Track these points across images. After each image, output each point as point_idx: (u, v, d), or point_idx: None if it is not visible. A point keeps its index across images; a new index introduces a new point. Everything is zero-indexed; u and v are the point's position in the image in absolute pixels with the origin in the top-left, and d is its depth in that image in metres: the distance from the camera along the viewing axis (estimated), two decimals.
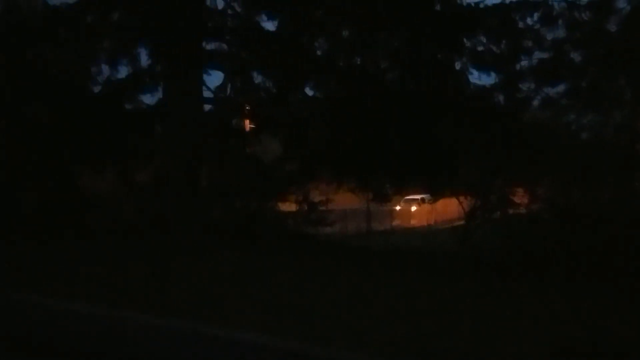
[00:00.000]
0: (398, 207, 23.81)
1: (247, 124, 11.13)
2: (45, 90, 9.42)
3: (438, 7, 9.88)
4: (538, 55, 9.99)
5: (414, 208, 25.13)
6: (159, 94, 10.46)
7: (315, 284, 5.75)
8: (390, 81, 9.92)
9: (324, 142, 9.61)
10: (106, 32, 10.03)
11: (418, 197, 23.09)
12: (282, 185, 10.22)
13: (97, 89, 10.78)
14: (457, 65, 10.16)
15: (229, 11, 10.42)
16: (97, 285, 5.61)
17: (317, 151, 9.90)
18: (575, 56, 9.99)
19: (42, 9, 10.22)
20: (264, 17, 10.36)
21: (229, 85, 10.64)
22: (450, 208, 18.39)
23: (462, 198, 9.81)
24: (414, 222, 24.60)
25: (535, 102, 10.23)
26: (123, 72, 10.40)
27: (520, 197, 8.51)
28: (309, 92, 10.65)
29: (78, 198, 9.57)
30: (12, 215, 8.77)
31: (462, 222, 10.03)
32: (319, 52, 10.57)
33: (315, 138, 9.67)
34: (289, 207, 10.68)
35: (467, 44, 9.96)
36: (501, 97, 10.47)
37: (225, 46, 10.73)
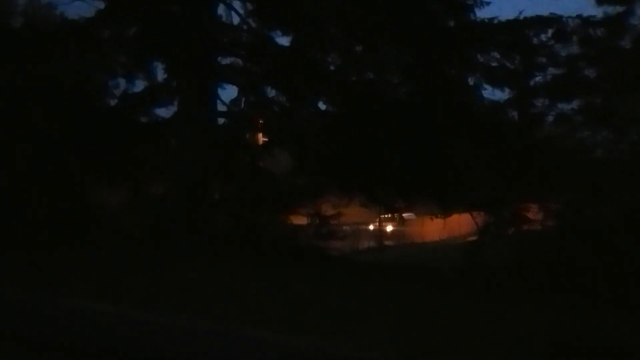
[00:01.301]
0: (371, 227, 21.69)
1: (260, 138, 11.22)
2: (57, 102, 9.59)
3: (451, 23, 9.92)
4: (552, 71, 9.99)
5: (389, 228, 22.65)
6: (174, 108, 10.61)
7: (314, 298, 5.73)
8: (401, 96, 9.94)
9: (334, 156, 9.64)
10: (122, 47, 10.21)
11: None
12: (293, 198, 10.25)
13: (112, 102, 10.95)
14: (470, 81, 10.18)
15: (244, 26, 10.58)
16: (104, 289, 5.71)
17: (327, 165, 9.93)
18: (590, 72, 9.97)
19: (60, 22, 10.45)
20: (278, 33, 10.50)
21: (243, 100, 10.76)
22: (463, 224, 18.28)
23: (474, 213, 9.77)
24: (427, 238, 24.42)
25: (549, 118, 10.21)
26: (139, 85, 10.59)
27: (532, 213, 8.46)
28: (321, 106, 10.71)
29: (86, 209, 9.69)
30: (20, 224, 8.91)
31: (474, 238, 9.99)
32: (331, 67, 10.65)
33: (325, 152, 9.71)
34: (300, 220, 10.70)
35: (480, 59, 9.98)
36: (514, 113, 10.48)
37: (239, 61, 10.89)
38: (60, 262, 7.42)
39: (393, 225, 21.79)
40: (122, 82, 10.75)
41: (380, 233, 21.99)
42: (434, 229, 24.90)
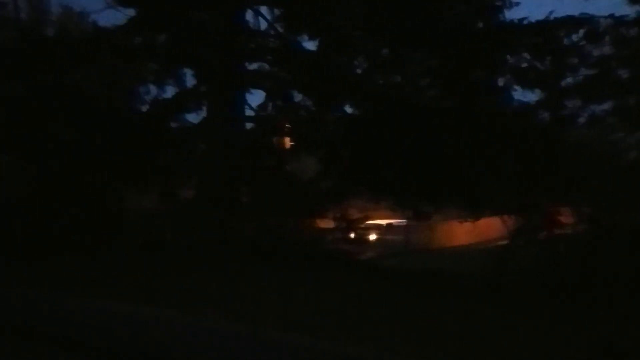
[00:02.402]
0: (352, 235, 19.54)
1: (287, 142, 11.28)
2: (88, 109, 9.78)
3: (480, 25, 9.81)
4: (583, 72, 9.80)
5: (372, 237, 18.91)
6: (203, 113, 10.74)
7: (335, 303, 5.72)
8: (429, 100, 9.87)
9: (360, 160, 9.62)
10: (153, 54, 10.39)
11: (383, 222, 18.88)
12: (319, 203, 10.25)
13: (143, 109, 11.13)
14: (500, 83, 10.05)
15: (271, 32, 10.66)
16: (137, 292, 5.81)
17: (353, 169, 9.91)
18: (623, 73, 9.75)
19: (92, 30, 10.68)
20: (305, 37, 10.54)
21: (270, 104, 10.83)
22: (493, 227, 18.01)
23: (504, 217, 9.61)
24: (456, 242, 24.11)
25: (581, 120, 10.01)
26: (169, 92, 10.76)
27: (565, 216, 8.28)
28: (347, 110, 10.71)
29: (115, 215, 9.86)
30: (49, 230, 9.11)
31: (505, 242, 9.82)
32: (358, 71, 10.64)
33: (351, 156, 9.70)
34: (327, 224, 10.69)
35: (510, 61, 9.85)
36: (545, 115, 10.30)
37: (266, 66, 10.98)
38: (91, 267, 7.58)
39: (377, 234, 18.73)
40: (152, 88, 10.94)
41: (406, 237, 21.81)
42: (463, 232, 24.62)
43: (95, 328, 5.06)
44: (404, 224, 10.91)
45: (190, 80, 10.70)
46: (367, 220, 10.62)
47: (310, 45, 10.64)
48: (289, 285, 6.47)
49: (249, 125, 10.83)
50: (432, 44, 9.41)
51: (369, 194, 10.41)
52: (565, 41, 9.57)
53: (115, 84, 10.84)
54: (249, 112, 10.51)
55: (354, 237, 10.25)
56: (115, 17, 11.87)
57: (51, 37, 11.54)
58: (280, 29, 10.63)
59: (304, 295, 6.02)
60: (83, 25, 12.52)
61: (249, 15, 10.47)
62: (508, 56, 9.75)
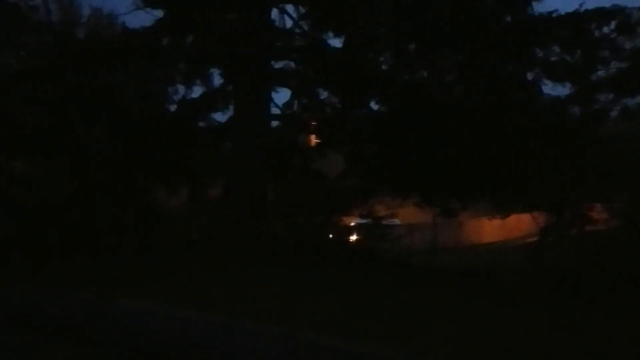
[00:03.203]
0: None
1: (313, 140, 11.30)
2: (119, 110, 9.97)
3: (508, 18, 9.67)
4: (615, 65, 9.56)
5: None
6: (230, 112, 10.84)
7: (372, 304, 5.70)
8: (456, 95, 9.77)
9: (386, 157, 9.58)
10: (181, 54, 10.52)
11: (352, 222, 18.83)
12: (345, 200, 10.26)
13: (172, 109, 11.29)
14: (529, 77, 9.89)
15: (297, 30, 10.69)
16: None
17: (379, 166, 9.88)
18: None
19: (121, 32, 10.87)
20: (330, 35, 10.54)
21: (296, 102, 10.87)
22: (522, 224, 17.75)
23: (535, 214, 9.47)
24: (485, 239, 23.79)
25: (613, 114, 9.76)
26: (196, 92, 10.89)
27: (597, 213, 8.11)
28: (373, 107, 10.67)
29: (149, 214, 10.04)
30: (88, 230, 9.33)
31: (534, 239, 9.69)
32: (384, 67, 10.59)
33: (377, 153, 9.66)
34: (353, 221, 10.69)
35: (539, 54, 9.67)
36: (576, 109, 10.09)
37: (292, 64, 11.02)
38: (126, 266, 7.74)
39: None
40: (180, 89, 11.08)
41: (434, 234, 21.63)
42: (491, 229, 24.30)
43: (138, 329, 5.18)
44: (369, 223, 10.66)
45: (217, 80, 10.82)
46: (394, 217, 10.57)
47: (336, 42, 10.67)
48: (320, 284, 6.51)
49: (275, 124, 10.89)
50: (459, 39, 9.30)
51: (396, 191, 10.36)
52: (597, 33, 9.35)
53: (145, 85, 11.01)
54: (275, 111, 10.58)
55: (380, 233, 10.22)
56: (144, 19, 12.06)
57: (82, 39, 11.79)
58: (305, 27, 10.66)
59: (336, 294, 6.04)
60: (112, 27, 12.75)
61: (275, 14, 10.53)
62: (537, 50, 9.58)
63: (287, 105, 10.90)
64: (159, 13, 10.20)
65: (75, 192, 9.73)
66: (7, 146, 10.33)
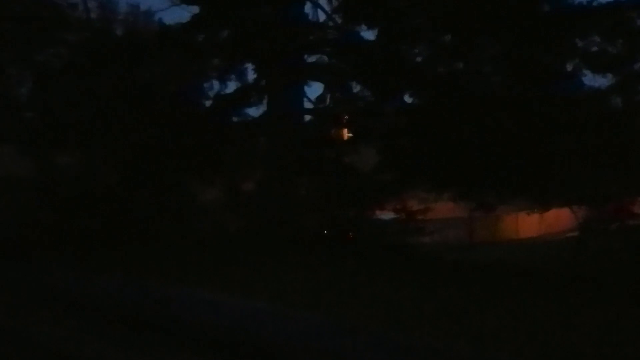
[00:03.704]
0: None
1: (345, 134, 11.28)
2: (156, 105, 10.16)
3: (546, 8, 9.42)
4: None
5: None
6: (263, 107, 10.92)
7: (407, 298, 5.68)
8: (494, 87, 9.58)
9: (421, 150, 9.48)
10: (216, 50, 10.66)
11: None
12: (379, 194, 10.20)
13: (205, 104, 11.44)
14: (569, 68, 9.62)
15: (330, 23, 10.68)
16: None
17: (413, 160, 9.78)
18: None
19: (158, 28, 11.08)
20: (364, 27, 10.48)
21: (328, 96, 10.86)
22: (562, 219, 17.31)
23: (574, 208, 9.24)
24: (522, 234, 23.30)
25: None
26: (231, 87, 11.02)
27: (638, 206, 7.86)
28: (407, 100, 10.57)
29: (185, 206, 10.23)
30: (127, 221, 9.59)
31: (574, 234, 9.44)
32: (418, 59, 10.47)
33: (411, 146, 9.57)
34: (387, 216, 10.63)
35: (580, 44, 9.40)
36: (618, 100, 9.78)
37: (325, 58, 11.01)
38: (168, 255, 7.98)
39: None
40: (215, 84, 11.23)
41: (471, 229, 21.31)
42: (529, 224, 23.78)
43: (188, 315, 5.33)
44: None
45: (251, 75, 10.91)
46: (429, 212, 10.45)
47: (370, 35, 10.60)
48: (360, 279, 6.52)
49: (307, 118, 10.92)
50: (496, 29, 9.12)
51: (430, 186, 10.24)
52: (638, 22, 9.04)
53: (181, 80, 11.20)
54: (307, 105, 10.59)
55: (414, 228, 10.13)
56: (180, 15, 12.27)
57: (120, 36, 12.06)
58: (339, 20, 10.63)
59: (376, 288, 6.05)
60: (149, 24, 12.97)
61: (308, 8, 10.54)
62: (577, 40, 9.31)
63: (320, 99, 10.91)
64: (195, 9, 10.36)
65: (116, 184, 9.99)
66: (51, 140, 10.69)
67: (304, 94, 10.49)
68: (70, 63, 11.51)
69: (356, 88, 10.87)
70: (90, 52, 10.94)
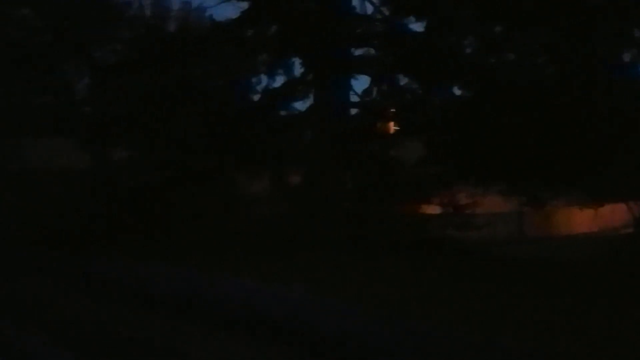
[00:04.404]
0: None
1: (391, 127, 11.22)
2: (206, 100, 10.39)
3: None
4: None
5: None
6: (310, 101, 10.99)
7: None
8: (545, 78, 9.31)
9: (469, 143, 9.32)
10: (264, 45, 10.79)
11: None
12: (425, 188, 10.11)
13: (253, 98, 11.61)
14: (625, 58, 9.26)
15: (378, 16, 10.63)
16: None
17: (461, 153, 9.63)
18: None
19: (209, 24, 11.33)
20: (412, 19, 10.38)
21: (375, 89, 10.83)
22: (617, 214, 16.68)
23: (630, 203, 8.91)
24: (573, 229, 22.56)
25: None
26: (278, 81, 11.14)
27: None
28: (455, 92, 10.41)
29: (233, 199, 10.46)
30: (174, 212, 9.90)
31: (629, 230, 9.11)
32: (467, 51, 10.29)
33: (459, 140, 9.43)
34: (434, 210, 10.53)
35: (637, 34, 9.02)
36: None
37: (372, 51, 10.97)
38: (218, 246, 8.21)
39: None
40: (263, 78, 11.38)
41: (521, 224, 20.79)
42: (582, 219, 22.98)
43: (240, 303, 5.51)
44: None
45: (298, 69, 11.00)
46: (476, 206, 10.27)
47: (418, 27, 10.49)
48: (404, 272, 6.53)
49: (354, 111, 10.92)
50: (548, 19, 8.85)
51: (478, 179, 10.07)
52: None
53: (231, 75, 11.41)
54: (354, 98, 10.59)
55: (462, 222, 9.99)
56: (231, 11, 12.48)
57: (172, 32, 12.38)
58: (386, 12, 10.57)
59: (417, 281, 6.05)
60: (201, 20, 13.27)
61: (356, 1, 10.53)
62: (635, 30, 8.93)
63: (366, 92, 10.89)
64: (244, 5, 10.52)
65: (167, 177, 10.30)
66: (107, 134, 11.11)
67: (350, 87, 10.50)
68: (125, 59, 11.91)
69: (403, 81, 10.79)
70: (144, 48, 11.29)
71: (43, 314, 6.09)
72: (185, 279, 6.43)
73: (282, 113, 11.49)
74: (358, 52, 10.86)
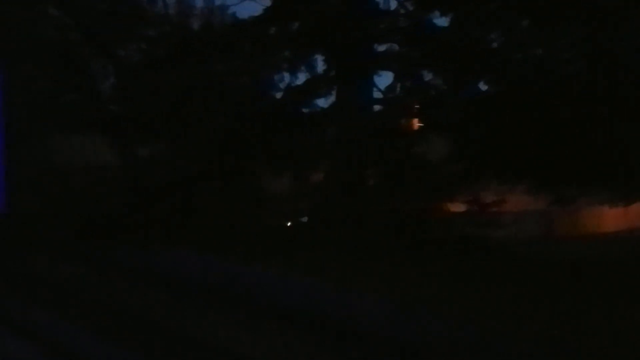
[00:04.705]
0: None
1: (415, 124, 11.10)
2: (229, 98, 10.45)
3: None
4: None
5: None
6: (332, 98, 10.96)
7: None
8: (575, 73, 9.07)
9: (495, 140, 9.16)
10: (287, 42, 10.80)
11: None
12: (450, 186, 9.98)
13: (276, 96, 11.64)
14: None
15: (401, 11, 10.52)
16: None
17: (488, 150, 9.47)
18: None
19: (232, 22, 11.39)
20: (437, 14, 10.23)
21: (398, 85, 10.73)
22: None
23: None
24: (603, 228, 22.05)
25: None
26: (301, 78, 11.15)
27: None
28: (481, 87, 10.23)
29: (257, 195, 10.52)
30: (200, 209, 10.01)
31: None
32: (494, 45, 10.10)
33: (485, 136, 9.27)
34: (457, 208, 10.39)
35: None
36: None
37: (396, 46, 10.86)
38: (245, 238, 8.28)
39: None
40: (285, 76, 11.39)
41: (548, 222, 20.42)
42: (612, 218, 22.44)
43: (272, 292, 5.56)
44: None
45: (321, 66, 10.97)
46: (502, 204, 10.10)
47: (443, 22, 10.33)
48: (429, 269, 6.47)
49: (377, 108, 10.83)
50: (578, 12, 8.62)
51: (505, 177, 9.90)
52: None
53: (254, 73, 11.46)
54: (377, 95, 10.52)
55: (488, 221, 9.83)
56: (253, 9, 12.54)
57: (196, 31, 12.47)
58: (410, 8, 10.45)
59: (439, 279, 5.98)
60: (224, 18, 13.35)
61: None
62: None
63: (390, 88, 10.79)
64: (267, 2, 10.54)
65: (192, 173, 10.42)
66: (134, 132, 11.29)
67: (373, 84, 10.42)
68: (150, 58, 12.04)
69: (427, 76, 10.67)
70: (168, 46, 11.41)
71: (80, 301, 6.26)
72: (219, 268, 6.54)
73: (305, 110, 11.48)
74: (381, 48, 10.78)
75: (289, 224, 11.15)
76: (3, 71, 9.71)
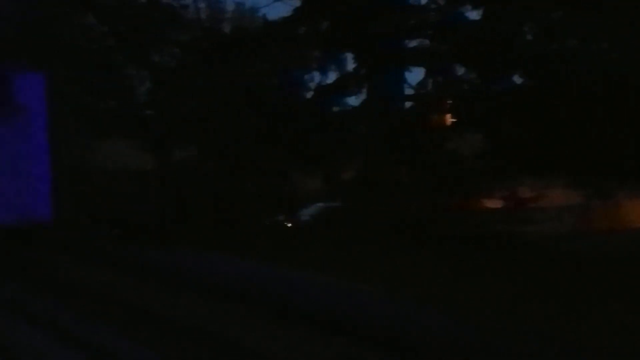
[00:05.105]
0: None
1: (447, 119, 10.98)
2: (261, 99, 10.57)
3: None
4: None
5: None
6: (362, 96, 10.95)
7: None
8: (610, 66, 8.83)
9: (531, 134, 8.99)
10: (316, 41, 10.84)
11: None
12: (484, 182, 9.85)
13: (307, 95, 11.70)
14: None
15: (432, 5, 10.43)
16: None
17: (521, 145, 9.30)
18: None
19: (262, 23, 11.50)
20: (468, 8, 10.12)
21: (430, 81, 10.64)
22: None
23: None
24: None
25: None
26: (331, 77, 11.18)
27: None
28: (515, 81, 10.06)
29: (289, 195, 10.61)
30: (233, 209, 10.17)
31: None
32: (528, 37, 9.92)
33: (520, 131, 9.11)
34: (494, 204, 10.24)
35: None
36: None
37: (427, 42, 10.77)
38: (275, 240, 8.36)
39: None
40: (315, 75, 11.45)
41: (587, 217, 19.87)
42: None
43: (292, 291, 5.62)
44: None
45: (351, 64, 10.97)
46: (538, 200, 9.91)
47: (474, 15, 10.20)
48: (463, 267, 6.41)
49: (408, 105, 10.77)
50: (610, 1, 8.39)
51: (541, 172, 9.71)
52: None
53: (285, 73, 11.55)
54: (408, 91, 10.46)
55: (524, 217, 9.66)
56: (283, 10, 12.62)
57: (228, 34, 12.63)
58: (441, 2, 10.35)
59: (471, 277, 5.92)
60: (254, 20, 13.49)
61: None
62: None
63: (421, 84, 10.71)
64: (296, 3, 10.60)
65: (225, 174, 10.58)
66: (168, 136, 11.53)
67: (404, 80, 10.36)
68: (183, 62, 12.25)
69: (460, 71, 10.54)
70: (201, 50, 11.59)
71: (115, 304, 6.40)
72: (255, 271, 6.62)
73: (336, 109, 11.50)
74: (412, 43, 10.69)
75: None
76: (46, 80, 10.03)
